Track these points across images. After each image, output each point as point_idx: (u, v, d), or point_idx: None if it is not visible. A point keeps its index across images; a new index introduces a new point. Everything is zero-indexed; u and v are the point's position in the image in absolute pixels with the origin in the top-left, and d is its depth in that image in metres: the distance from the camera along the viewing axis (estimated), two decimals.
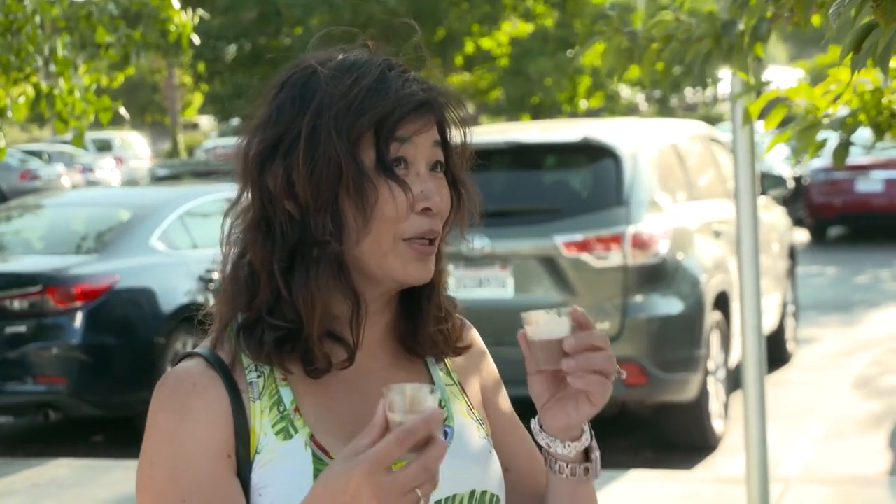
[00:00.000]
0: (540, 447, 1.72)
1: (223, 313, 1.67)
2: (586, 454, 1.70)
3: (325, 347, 1.63)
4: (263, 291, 1.63)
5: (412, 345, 1.73)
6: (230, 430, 1.61)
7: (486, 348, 1.85)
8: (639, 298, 7.21)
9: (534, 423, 1.70)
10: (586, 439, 1.68)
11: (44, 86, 7.53)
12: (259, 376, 1.64)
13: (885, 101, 3.70)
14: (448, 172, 1.69)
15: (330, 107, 1.61)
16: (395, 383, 1.46)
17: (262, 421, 1.62)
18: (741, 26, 3.54)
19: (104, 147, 36.91)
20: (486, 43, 31.32)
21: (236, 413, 1.61)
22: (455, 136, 1.71)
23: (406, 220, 1.62)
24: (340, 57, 1.68)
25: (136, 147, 38.45)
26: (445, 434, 1.69)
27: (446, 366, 1.77)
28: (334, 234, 1.61)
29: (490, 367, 1.85)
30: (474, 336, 1.83)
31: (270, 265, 1.62)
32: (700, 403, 7.55)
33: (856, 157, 17.65)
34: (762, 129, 4.05)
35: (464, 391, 1.77)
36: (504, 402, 1.85)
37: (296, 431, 1.61)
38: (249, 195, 1.66)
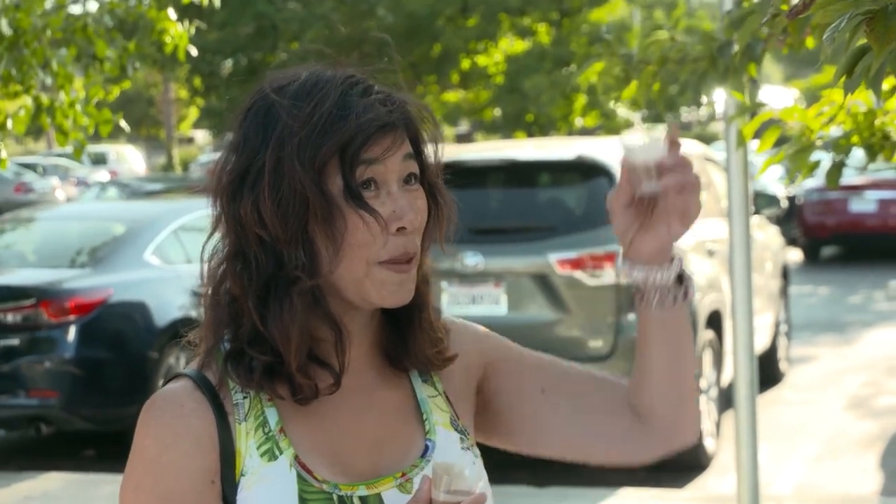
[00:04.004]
0: (632, 293, 1.73)
1: (208, 339, 1.66)
2: (678, 280, 1.72)
3: (311, 373, 1.63)
4: (244, 322, 1.62)
5: (399, 359, 1.72)
6: (215, 453, 1.61)
7: (469, 328, 1.82)
8: (632, 317, 7.21)
9: (621, 264, 1.71)
10: (679, 260, 1.70)
11: (44, 99, 7.55)
12: (245, 397, 1.64)
13: (877, 122, 3.72)
14: (424, 182, 1.67)
15: (292, 136, 1.59)
16: (439, 461, 1.52)
17: (247, 442, 1.62)
18: (736, 47, 3.56)
19: (99, 160, 36.91)
20: (482, 60, 31.37)
21: (222, 435, 1.62)
22: (427, 145, 1.69)
23: (380, 243, 1.60)
24: (302, 78, 1.65)
25: (132, 161, 38.45)
26: (426, 448, 1.69)
27: (431, 376, 1.75)
28: (307, 266, 1.59)
29: (480, 345, 1.81)
30: (457, 334, 1.79)
31: (247, 298, 1.61)
32: None
33: (849, 177, 17.68)
34: (756, 149, 4.06)
35: (449, 400, 1.75)
36: (507, 350, 1.82)
37: (280, 452, 1.62)
38: (224, 224, 1.65)
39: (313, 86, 1.62)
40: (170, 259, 8.61)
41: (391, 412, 1.71)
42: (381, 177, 1.61)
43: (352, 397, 1.68)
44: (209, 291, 1.66)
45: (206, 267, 1.67)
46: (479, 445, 1.79)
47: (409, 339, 1.71)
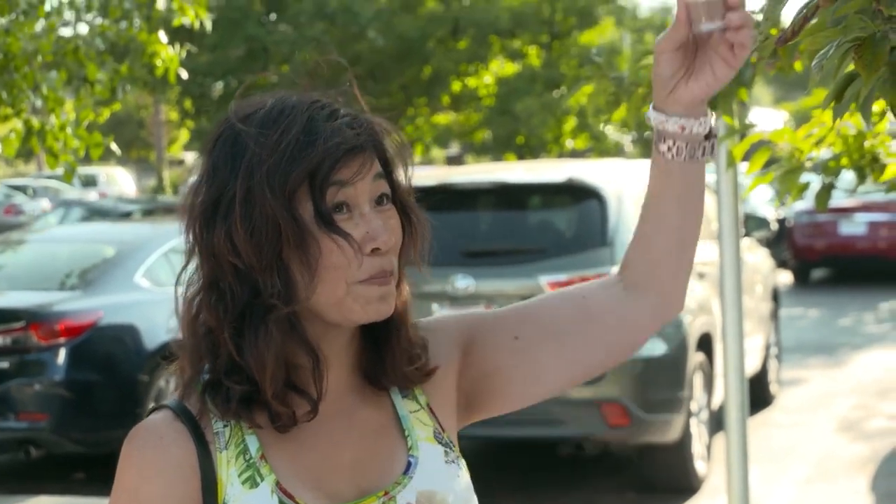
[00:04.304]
0: (660, 145, 1.71)
1: (186, 370, 1.67)
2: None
3: (289, 400, 1.63)
4: (221, 352, 1.63)
5: (377, 377, 1.72)
6: (197, 483, 1.62)
7: (440, 330, 1.79)
8: None
9: (654, 115, 1.70)
10: (710, 114, 1.70)
11: (35, 122, 7.56)
12: (226, 426, 1.65)
13: (867, 144, 3.73)
14: (396, 201, 1.68)
15: (260, 165, 1.59)
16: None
17: (228, 471, 1.62)
18: None
19: (89, 182, 36.89)
20: (473, 82, 31.44)
21: (203, 464, 1.62)
22: (396, 164, 1.69)
23: (356, 265, 1.61)
24: (268, 106, 1.65)
25: (122, 183, 38.43)
26: (409, 465, 1.69)
27: (413, 390, 1.75)
28: (283, 293, 1.60)
29: (452, 337, 1.79)
30: (434, 344, 1.77)
31: (223, 330, 1.62)
32: (683, 445, 7.55)
33: (839, 199, 17.73)
34: (745, 170, 4.07)
35: (433, 413, 1.74)
36: (473, 321, 1.80)
37: (262, 479, 1.62)
38: (198, 255, 1.65)
39: (279, 113, 1.63)
40: (160, 282, 8.60)
41: (372, 432, 1.71)
42: (352, 199, 1.62)
43: (332, 421, 1.68)
44: (186, 322, 1.66)
45: (181, 298, 1.67)
46: (472, 465, 1.78)
47: (386, 357, 1.71)
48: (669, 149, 1.70)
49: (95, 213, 20.10)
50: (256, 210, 1.59)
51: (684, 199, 1.73)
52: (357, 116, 1.66)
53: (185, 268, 1.67)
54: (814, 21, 2.03)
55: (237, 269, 1.61)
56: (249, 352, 1.60)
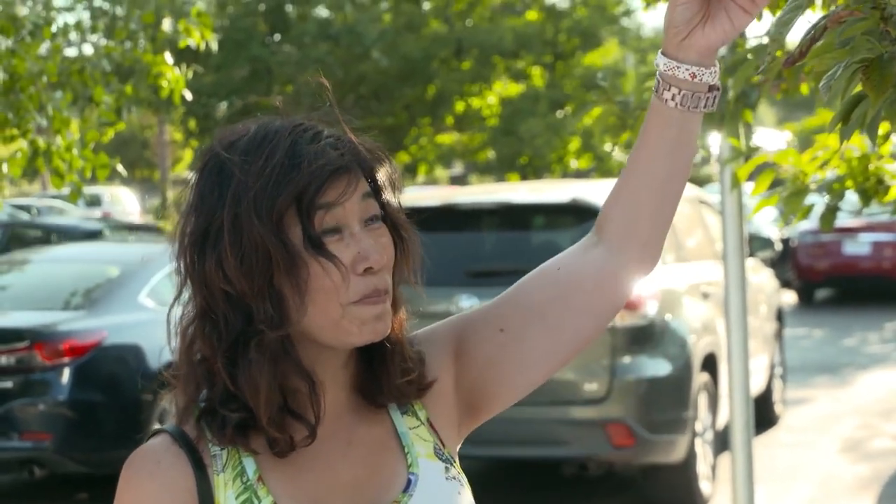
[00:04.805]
0: (666, 92, 1.69)
1: (182, 398, 1.68)
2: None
3: (286, 426, 1.63)
4: (216, 381, 1.63)
5: (374, 395, 1.72)
6: None
7: (432, 340, 1.78)
8: (627, 359, 7.21)
9: (664, 62, 1.68)
10: (718, 66, 1.70)
11: (41, 142, 7.58)
12: (223, 449, 1.65)
13: (872, 167, 3.74)
14: (386, 220, 1.68)
15: (247, 191, 1.60)
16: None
17: (226, 493, 1.63)
18: (731, 93, 3.58)
19: (94, 202, 36.90)
20: (477, 102, 31.49)
21: (201, 487, 1.63)
22: (385, 183, 1.69)
23: (348, 286, 1.61)
24: (251, 132, 1.65)
25: (126, 202, 38.45)
26: (409, 482, 1.68)
27: (412, 406, 1.74)
28: (275, 317, 1.60)
29: (445, 345, 1.78)
30: (430, 357, 1.76)
31: (216, 359, 1.62)
32: (688, 465, 7.54)
33: (844, 219, 17.73)
34: (751, 192, 4.08)
35: (433, 428, 1.74)
36: (461, 323, 1.80)
37: (259, 501, 1.62)
38: (191, 285, 1.66)
39: (262, 138, 1.63)
40: (165, 301, 8.59)
41: (371, 451, 1.71)
42: (342, 220, 1.62)
43: (330, 441, 1.68)
44: (181, 351, 1.67)
45: (176, 327, 1.68)
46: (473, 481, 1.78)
47: (381, 375, 1.70)
48: (675, 97, 1.69)
49: (47, 234, 17.97)
50: (245, 237, 1.59)
51: (677, 152, 1.71)
52: (340, 137, 1.66)
53: (177, 298, 1.68)
54: (821, 42, 2.04)
55: (229, 296, 1.61)
56: (243, 379, 1.61)
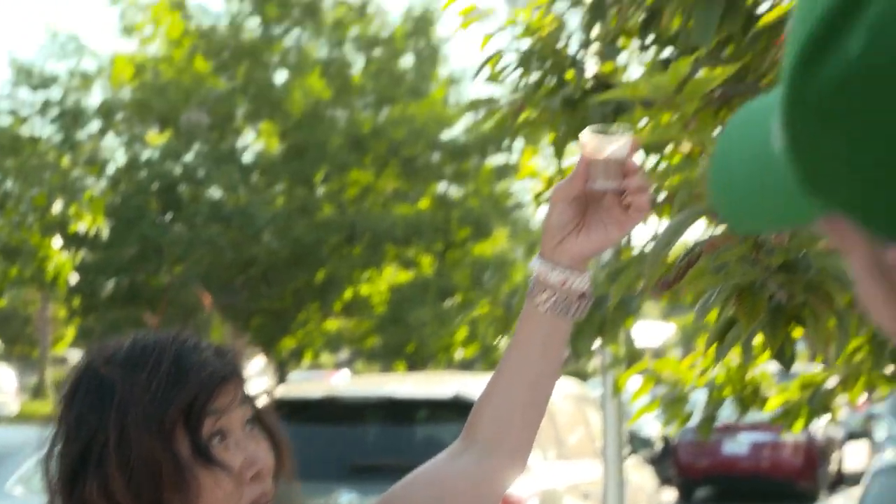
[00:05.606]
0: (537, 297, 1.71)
1: None
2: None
3: None
4: None
5: None
6: None
7: None
8: None
9: (539, 264, 1.69)
10: (588, 273, 1.70)
11: None
12: None
13: (748, 377, 3.82)
14: (259, 422, 1.68)
15: (134, 405, 1.56)
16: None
17: None
18: (611, 300, 3.64)
19: None
20: (366, 289, 31.60)
21: None
22: (254, 387, 1.70)
23: (238, 494, 1.60)
24: (128, 345, 1.63)
25: (2, 379, 37.57)
26: None
27: None
28: None
29: None
30: None
31: None
32: None
33: (723, 418, 17.89)
34: (631, 398, 4.14)
35: None
36: (401, 488, 1.80)
37: None
38: None
39: (142, 350, 1.61)
40: (36, 489, 8.35)
41: None
42: (227, 426, 1.62)
43: None
44: None
45: None
46: None
47: None
48: (546, 300, 1.71)
49: None
50: (133, 453, 1.55)
51: (548, 354, 1.74)
52: (220, 346, 1.67)
53: None
54: (696, 266, 2.10)
55: None
56: None
